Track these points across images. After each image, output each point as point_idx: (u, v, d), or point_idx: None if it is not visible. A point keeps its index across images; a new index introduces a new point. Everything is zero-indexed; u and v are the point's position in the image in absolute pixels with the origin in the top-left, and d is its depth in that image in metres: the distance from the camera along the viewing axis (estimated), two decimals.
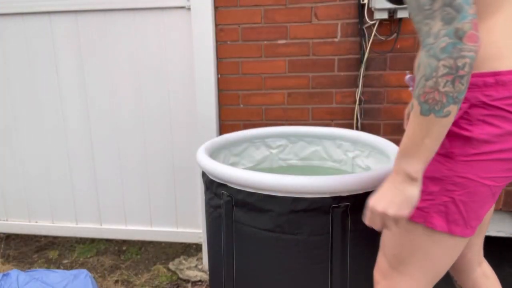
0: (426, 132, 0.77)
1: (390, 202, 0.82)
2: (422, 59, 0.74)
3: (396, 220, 0.82)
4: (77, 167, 2.44)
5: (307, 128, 1.89)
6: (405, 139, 0.82)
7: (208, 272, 2.14)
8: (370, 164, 1.74)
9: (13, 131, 2.45)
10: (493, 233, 2.11)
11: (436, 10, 0.71)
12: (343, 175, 1.19)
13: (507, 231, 2.10)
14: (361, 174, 1.19)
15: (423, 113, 0.76)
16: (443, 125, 0.76)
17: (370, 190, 1.20)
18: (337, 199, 1.16)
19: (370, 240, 1.24)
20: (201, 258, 2.29)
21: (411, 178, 0.81)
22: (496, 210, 2.05)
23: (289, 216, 1.18)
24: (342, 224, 1.18)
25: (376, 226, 0.86)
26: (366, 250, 1.24)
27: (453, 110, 0.74)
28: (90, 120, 2.35)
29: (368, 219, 0.88)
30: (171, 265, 2.24)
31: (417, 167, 0.80)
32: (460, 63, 0.70)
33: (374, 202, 0.84)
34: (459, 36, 0.69)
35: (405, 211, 0.81)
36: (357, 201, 1.18)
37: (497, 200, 2.02)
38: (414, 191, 0.81)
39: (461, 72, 0.71)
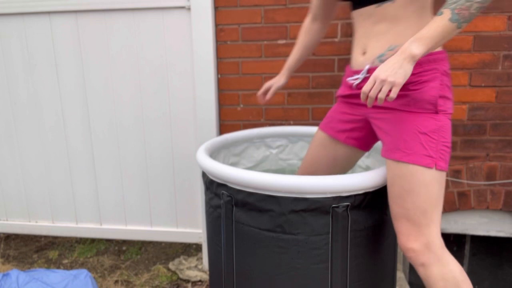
0: (443, 33, 0.99)
1: (391, 73, 1.00)
2: None
3: (392, 87, 1.00)
4: (77, 167, 2.44)
5: (307, 128, 1.89)
6: (426, 31, 1.00)
7: (208, 272, 2.14)
8: (370, 164, 1.74)
9: (13, 131, 2.45)
10: (493, 233, 2.11)
11: None
12: (343, 175, 1.19)
13: (507, 231, 2.10)
14: (361, 174, 1.19)
15: (452, 20, 0.98)
16: (454, 34, 1.01)
17: (370, 190, 1.20)
18: (337, 199, 1.16)
19: (370, 240, 1.24)
20: (201, 258, 2.29)
21: (413, 58, 1.01)
22: (496, 210, 2.06)
23: (289, 216, 1.18)
24: (342, 224, 1.18)
25: (372, 93, 1.02)
26: (366, 250, 1.24)
27: (463, 27, 1.00)
28: (90, 120, 2.35)
29: (367, 86, 1.04)
30: (171, 265, 2.24)
31: (422, 52, 1.00)
32: None
33: (379, 72, 1.02)
34: None
35: (400, 80, 1.00)
36: (357, 201, 1.18)
37: (497, 200, 2.03)
38: (410, 68, 1.02)
39: (484, 5, 0.97)
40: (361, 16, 1.23)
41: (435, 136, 1.11)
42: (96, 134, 2.37)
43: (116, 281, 2.11)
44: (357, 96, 1.30)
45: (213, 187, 1.36)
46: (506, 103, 1.95)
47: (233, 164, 1.85)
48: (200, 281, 2.12)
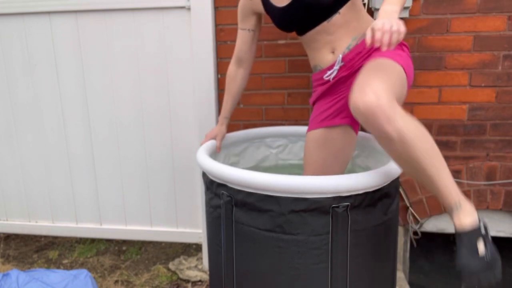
0: None
1: (397, 23, 1.04)
2: None
3: (399, 35, 1.04)
4: (77, 167, 2.44)
5: (307, 128, 1.88)
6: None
7: (208, 272, 2.14)
8: (370, 164, 1.74)
9: (13, 131, 2.45)
10: (493, 233, 2.11)
11: None
12: (343, 175, 1.19)
13: (507, 231, 2.10)
14: (361, 174, 1.19)
15: None
16: None
17: (370, 190, 1.20)
18: (337, 199, 1.16)
19: (370, 240, 1.24)
20: (201, 258, 2.29)
21: (397, 13, 1.10)
22: (496, 210, 2.06)
23: (289, 216, 1.18)
24: (342, 224, 1.18)
25: (384, 42, 1.03)
26: (366, 250, 1.24)
27: None
28: (90, 120, 2.35)
29: (377, 38, 1.03)
30: (171, 265, 2.24)
31: (399, 9, 1.12)
32: None
33: (384, 23, 1.03)
34: None
35: (403, 27, 1.05)
36: (357, 201, 1.18)
37: (497, 200, 2.03)
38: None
39: None
40: (317, 33, 1.43)
41: (404, 55, 1.33)
42: (96, 134, 2.37)
43: (116, 281, 2.11)
44: (334, 84, 1.47)
45: (213, 187, 1.36)
46: (506, 103, 1.95)
47: (233, 164, 1.85)
48: (200, 281, 2.12)
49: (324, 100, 1.54)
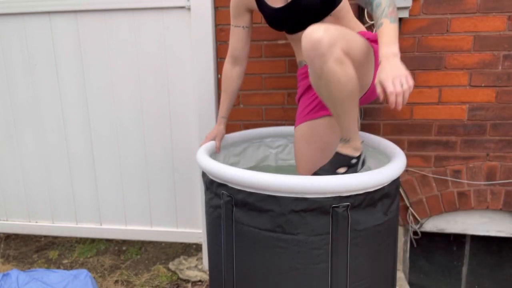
0: (395, 31, 1.21)
1: (405, 77, 1.12)
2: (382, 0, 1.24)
3: (410, 90, 1.12)
4: (77, 167, 2.44)
5: None
6: (387, 38, 1.20)
7: (208, 272, 2.14)
8: (370, 164, 1.74)
9: (13, 131, 2.45)
10: (493, 233, 2.11)
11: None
12: (343, 175, 1.19)
13: (507, 231, 2.10)
14: (361, 174, 1.19)
15: (392, 22, 1.21)
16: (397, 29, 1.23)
17: (370, 190, 1.20)
18: (337, 199, 1.16)
19: (371, 240, 1.24)
20: (201, 258, 2.29)
21: (398, 55, 1.19)
22: (496, 210, 2.06)
23: (289, 216, 1.18)
24: (342, 224, 1.18)
25: (398, 89, 1.10)
26: (366, 250, 1.24)
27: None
28: (90, 120, 2.35)
29: (389, 87, 1.10)
30: (171, 265, 2.24)
31: (398, 49, 1.20)
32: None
33: (395, 83, 1.10)
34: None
35: (407, 71, 1.14)
36: (357, 201, 1.18)
37: (497, 200, 2.02)
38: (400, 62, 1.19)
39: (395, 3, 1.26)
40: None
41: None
42: (96, 134, 2.37)
43: (116, 281, 2.11)
44: None
45: (213, 187, 1.36)
46: (506, 103, 1.95)
47: (233, 164, 1.85)
48: (200, 281, 2.12)
49: (308, 94, 1.58)
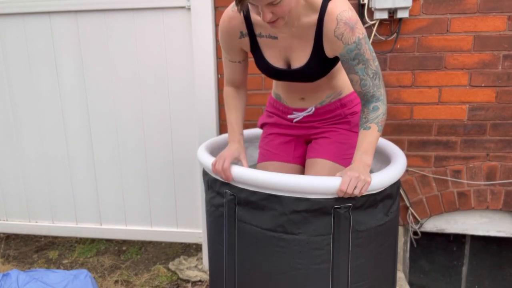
0: (376, 140, 1.27)
1: (363, 173, 1.16)
2: (381, 104, 1.28)
3: (364, 184, 1.15)
4: (77, 167, 2.44)
5: None
6: (367, 146, 1.24)
7: (208, 272, 2.14)
8: (372, 166, 1.74)
9: (13, 131, 2.45)
10: (493, 233, 2.11)
11: (380, 84, 1.29)
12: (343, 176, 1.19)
13: (507, 231, 2.10)
14: None
15: (379, 131, 1.27)
16: (378, 137, 1.29)
17: (372, 191, 1.20)
18: (339, 200, 1.16)
19: (372, 241, 1.24)
20: (201, 258, 2.29)
21: (369, 167, 1.23)
22: (496, 210, 2.06)
23: (291, 216, 1.18)
24: (344, 225, 1.18)
25: (349, 190, 1.13)
26: (368, 251, 1.24)
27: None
28: (90, 120, 2.35)
29: (343, 184, 1.14)
30: (171, 265, 2.24)
31: (371, 160, 1.25)
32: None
33: (353, 172, 1.16)
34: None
35: (370, 179, 1.17)
36: (359, 202, 1.18)
37: (497, 200, 2.03)
38: (369, 173, 1.21)
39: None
40: (297, 85, 1.42)
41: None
42: (96, 134, 2.37)
43: (116, 281, 2.11)
44: (297, 124, 1.53)
45: (216, 186, 1.35)
46: (506, 103, 1.95)
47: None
48: (200, 281, 2.12)
49: (281, 135, 1.56)
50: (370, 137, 1.25)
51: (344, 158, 1.43)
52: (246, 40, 1.34)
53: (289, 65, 1.34)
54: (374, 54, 1.26)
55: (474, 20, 1.88)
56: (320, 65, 1.30)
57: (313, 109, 1.47)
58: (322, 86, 1.42)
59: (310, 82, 1.38)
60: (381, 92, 1.29)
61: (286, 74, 1.36)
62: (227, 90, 1.50)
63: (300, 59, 1.30)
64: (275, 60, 1.34)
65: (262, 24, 1.27)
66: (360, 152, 1.23)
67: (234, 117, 1.48)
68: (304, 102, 1.47)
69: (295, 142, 1.56)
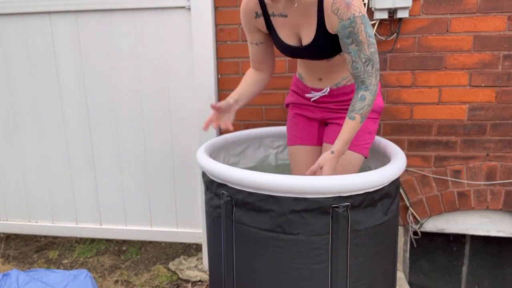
0: (356, 130, 1.33)
1: (332, 170, 1.30)
2: (368, 95, 1.31)
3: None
4: (77, 167, 2.44)
5: None
6: (348, 135, 1.31)
7: (208, 272, 2.14)
8: (370, 164, 1.74)
9: (13, 131, 2.45)
10: (493, 233, 2.11)
11: (373, 72, 1.30)
12: (343, 175, 1.19)
13: (507, 231, 2.10)
14: (361, 174, 1.19)
15: (361, 122, 1.32)
16: (359, 127, 1.34)
17: (370, 190, 1.20)
18: (338, 199, 1.16)
19: (370, 240, 1.24)
20: (201, 258, 2.29)
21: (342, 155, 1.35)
22: (496, 210, 2.06)
23: (289, 216, 1.18)
24: (342, 224, 1.18)
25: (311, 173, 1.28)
26: (366, 250, 1.24)
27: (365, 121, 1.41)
28: (90, 120, 2.35)
29: (314, 166, 1.29)
30: (171, 265, 2.24)
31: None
32: (374, 99, 1.33)
33: (327, 172, 1.29)
34: (377, 86, 1.33)
35: (329, 174, 1.29)
36: (357, 201, 1.18)
37: (497, 200, 2.02)
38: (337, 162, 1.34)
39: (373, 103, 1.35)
40: (314, 63, 1.48)
41: (373, 134, 1.54)
42: (96, 134, 2.37)
43: (116, 281, 2.11)
44: (315, 104, 1.60)
45: (213, 187, 1.36)
46: (506, 103, 1.95)
47: (233, 164, 1.85)
48: (200, 281, 2.12)
49: (302, 117, 1.65)
50: (352, 128, 1.31)
51: (357, 144, 1.48)
52: (261, 20, 1.44)
53: (301, 42, 1.41)
54: (372, 40, 1.27)
55: (474, 20, 1.88)
56: (326, 41, 1.34)
57: (328, 89, 1.52)
58: (338, 67, 1.47)
59: (326, 60, 1.43)
60: (371, 81, 1.30)
61: (299, 51, 1.43)
62: (248, 71, 1.61)
63: (308, 36, 1.36)
64: (288, 37, 1.42)
65: (273, 3, 1.34)
66: (340, 141, 1.31)
67: (238, 87, 1.56)
68: (321, 82, 1.52)
69: (318, 125, 1.63)
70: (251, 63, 1.60)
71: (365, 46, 1.26)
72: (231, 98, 1.49)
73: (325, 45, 1.35)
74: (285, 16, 1.38)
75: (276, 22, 1.42)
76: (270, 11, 1.41)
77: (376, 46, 1.29)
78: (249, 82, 1.57)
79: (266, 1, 1.40)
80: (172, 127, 2.29)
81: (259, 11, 1.43)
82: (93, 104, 2.33)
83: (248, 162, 1.91)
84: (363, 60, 1.28)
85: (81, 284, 1.66)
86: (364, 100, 1.30)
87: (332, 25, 1.29)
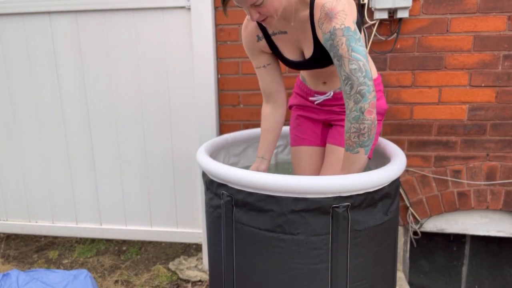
0: (362, 163, 1.28)
1: None
2: (347, 122, 1.22)
3: None
4: (77, 167, 2.44)
5: None
6: (352, 168, 1.28)
7: (208, 272, 2.14)
8: (370, 164, 1.74)
9: (13, 131, 2.45)
10: (493, 233, 2.11)
11: (352, 94, 1.18)
12: (343, 175, 1.19)
13: (507, 231, 2.10)
14: (362, 174, 1.19)
15: (366, 154, 1.25)
16: (355, 158, 1.25)
17: (370, 190, 1.20)
18: (338, 199, 1.16)
19: (371, 240, 1.24)
20: (201, 258, 2.29)
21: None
22: (496, 210, 2.06)
23: (289, 216, 1.18)
24: (342, 224, 1.18)
25: None
26: (366, 250, 1.24)
27: (361, 151, 1.24)
28: (90, 120, 2.35)
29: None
30: (171, 265, 2.24)
31: None
32: (361, 126, 1.19)
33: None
34: (361, 111, 1.18)
35: None
36: (357, 201, 1.18)
37: (497, 200, 2.02)
38: None
39: (362, 132, 1.20)
40: (318, 71, 1.47)
41: (377, 136, 1.51)
42: (96, 134, 2.37)
43: (116, 281, 2.11)
44: (318, 107, 1.58)
45: (213, 187, 1.36)
46: (506, 103, 1.95)
47: (233, 164, 1.85)
48: (200, 281, 2.12)
49: (306, 118, 1.64)
50: (355, 160, 1.27)
51: None
52: (264, 42, 1.45)
53: (304, 56, 1.42)
54: (355, 55, 1.16)
55: (474, 20, 1.88)
56: (324, 53, 1.33)
57: (332, 93, 1.52)
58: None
59: (330, 67, 1.43)
60: (348, 105, 1.20)
61: (304, 64, 1.44)
62: (262, 109, 1.60)
63: (309, 50, 1.37)
64: (291, 53, 1.43)
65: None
66: (341, 170, 1.32)
67: (262, 138, 1.60)
68: (325, 86, 1.52)
69: (321, 126, 1.64)
70: (263, 96, 1.58)
71: (345, 62, 1.17)
72: (261, 161, 1.59)
73: (326, 57, 1.34)
74: (285, 32, 1.38)
75: (277, 40, 1.42)
76: (270, 31, 1.42)
77: (363, 63, 1.15)
78: (267, 127, 1.58)
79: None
80: (172, 127, 2.29)
81: (260, 34, 1.44)
82: (93, 104, 2.33)
83: (248, 162, 1.91)
84: (343, 78, 1.19)
85: (81, 284, 1.66)
86: (345, 130, 1.24)
87: (320, 39, 1.27)
